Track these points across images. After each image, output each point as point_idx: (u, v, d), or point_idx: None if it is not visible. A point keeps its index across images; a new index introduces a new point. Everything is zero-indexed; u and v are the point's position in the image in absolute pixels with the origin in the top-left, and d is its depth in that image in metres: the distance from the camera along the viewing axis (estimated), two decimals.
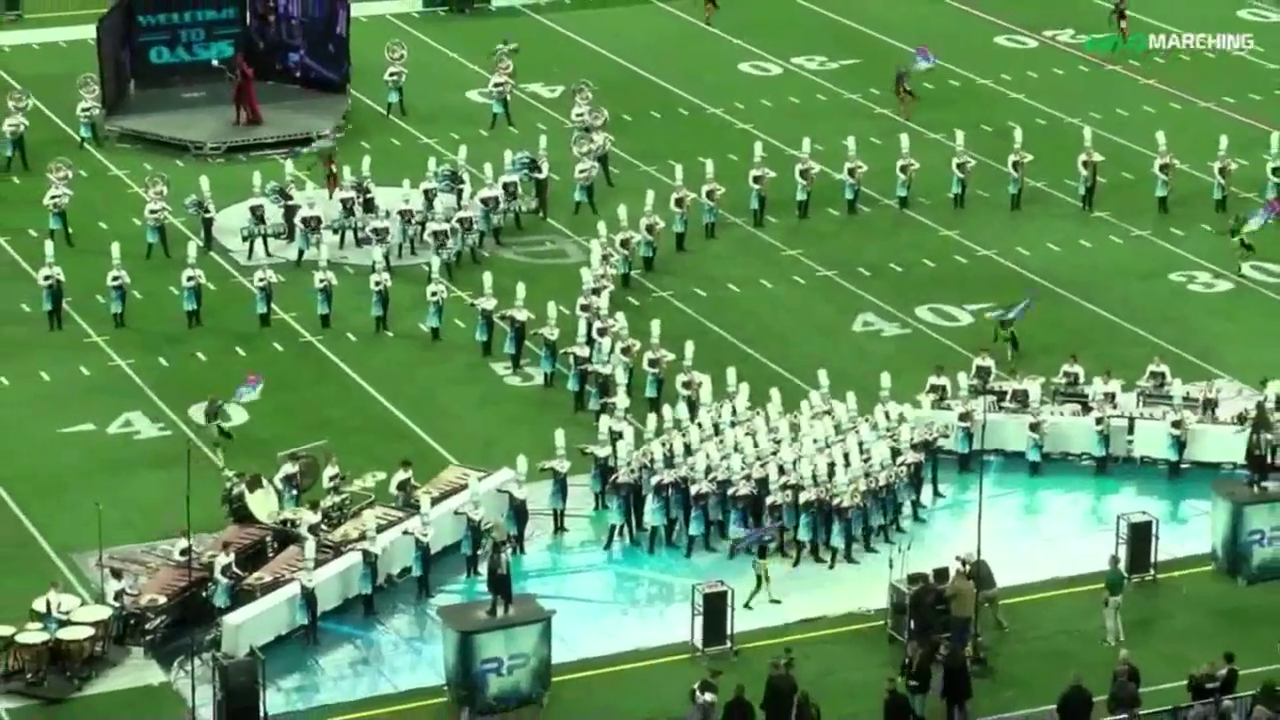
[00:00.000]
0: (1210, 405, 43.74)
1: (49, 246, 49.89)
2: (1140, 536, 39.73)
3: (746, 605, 38.30)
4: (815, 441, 41.43)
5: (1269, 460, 41.40)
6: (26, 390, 46.44)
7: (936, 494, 42.47)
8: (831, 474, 40.43)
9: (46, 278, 48.79)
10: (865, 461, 40.94)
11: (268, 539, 39.41)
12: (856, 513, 40.20)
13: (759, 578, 38.68)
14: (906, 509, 41.59)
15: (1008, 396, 43.88)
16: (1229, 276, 51.70)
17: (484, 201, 53.24)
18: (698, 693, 34.59)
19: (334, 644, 37.92)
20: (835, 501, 40.04)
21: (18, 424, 45.01)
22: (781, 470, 40.52)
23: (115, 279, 48.84)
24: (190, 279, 49.02)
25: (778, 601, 38.63)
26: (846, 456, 41.05)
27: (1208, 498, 41.16)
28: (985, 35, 68.96)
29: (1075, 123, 59.70)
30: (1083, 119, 59.92)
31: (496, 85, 61.28)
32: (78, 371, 47.16)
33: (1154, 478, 43.20)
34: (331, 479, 40.58)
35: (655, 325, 46.14)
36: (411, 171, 54.34)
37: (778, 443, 41.66)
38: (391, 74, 61.82)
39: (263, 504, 40.07)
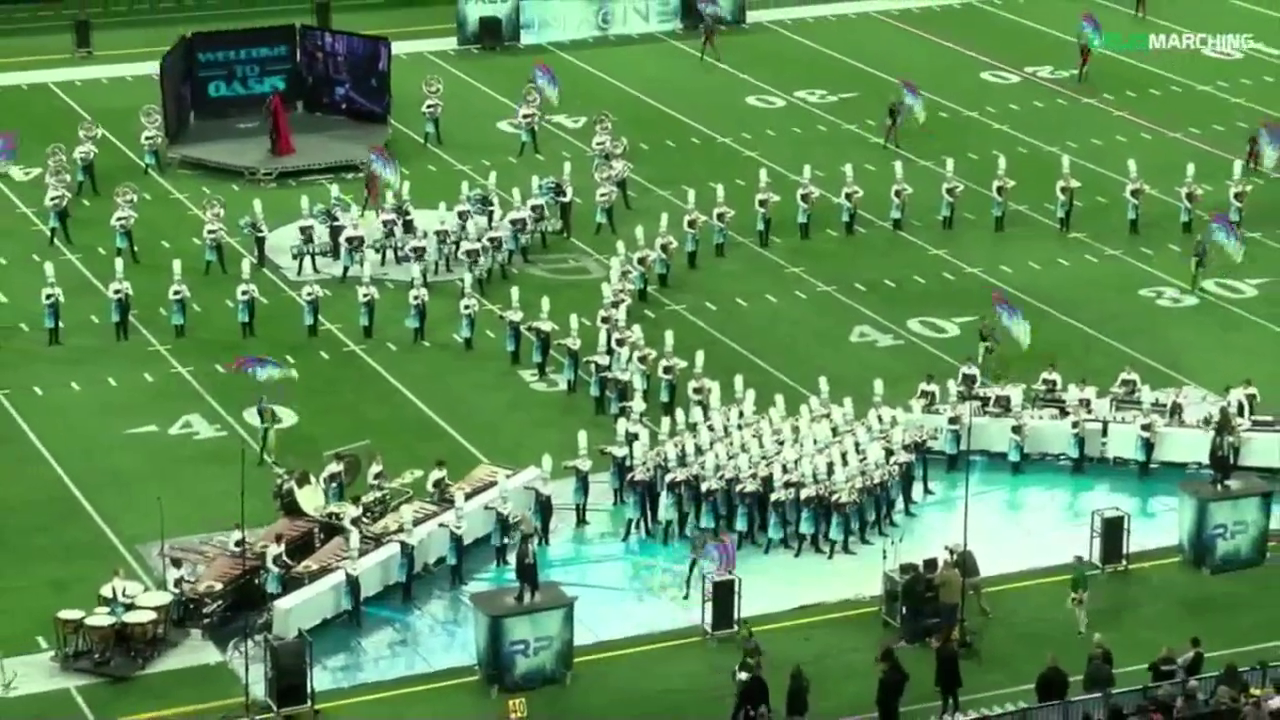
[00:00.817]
0: (1177, 410, 43.55)
1: (118, 263, 49.90)
2: (1113, 530, 39.59)
3: (684, 597, 38.46)
4: (815, 442, 41.30)
5: (1231, 461, 41.27)
6: (96, 395, 46.41)
7: (927, 491, 42.32)
8: (830, 472, 40.31)
9: (116, 291, 48.76)
10: (861, 461, 40.85)
11: (315, 531, 39.32)
12: (853, 508, 40.10)
13: (691, 565, 38.65)
14: (899, 504, 41.51)
15: (992, 401, 43.74)
16: (1193, 292, 51.55)
17: (513, 223, 53.16)
18: (738, 671, 34.50)
19: (375, 627, 37.86)
20: (834, 498, 39.92)
21: (88, 426, 44.97)
22: (784, 469, 40.40)
23: (176, 293, 48.79)
24: (244, 293, 48.97)
25: (686, 598, 38.45)
26: (844, 456, 40.92)
27: (1175, 495, 40.99)
28: (972, 71, 68.79)
29: (1054, 151, 59.47)
30: (1061, 148, 59.70)
31: (525, 116, 61.23)
32: (142, 378, 47.10)
33: (1125, 476, 43.01)
34: (374, 476, 40.53)
35: (669, 336, 46.00)
36: (447, 195, 54.28)
37: (781, 444, 41.54)
38: (428, 106, 61.77)
39: (311, 499, 40.01)
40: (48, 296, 48.35)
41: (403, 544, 38.45)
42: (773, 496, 40.06)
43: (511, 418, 45.41)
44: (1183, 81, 67.24)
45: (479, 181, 55.95)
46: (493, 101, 64.85)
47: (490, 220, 53.49)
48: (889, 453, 41.21)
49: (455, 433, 44.59)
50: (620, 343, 45.87)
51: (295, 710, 34.88)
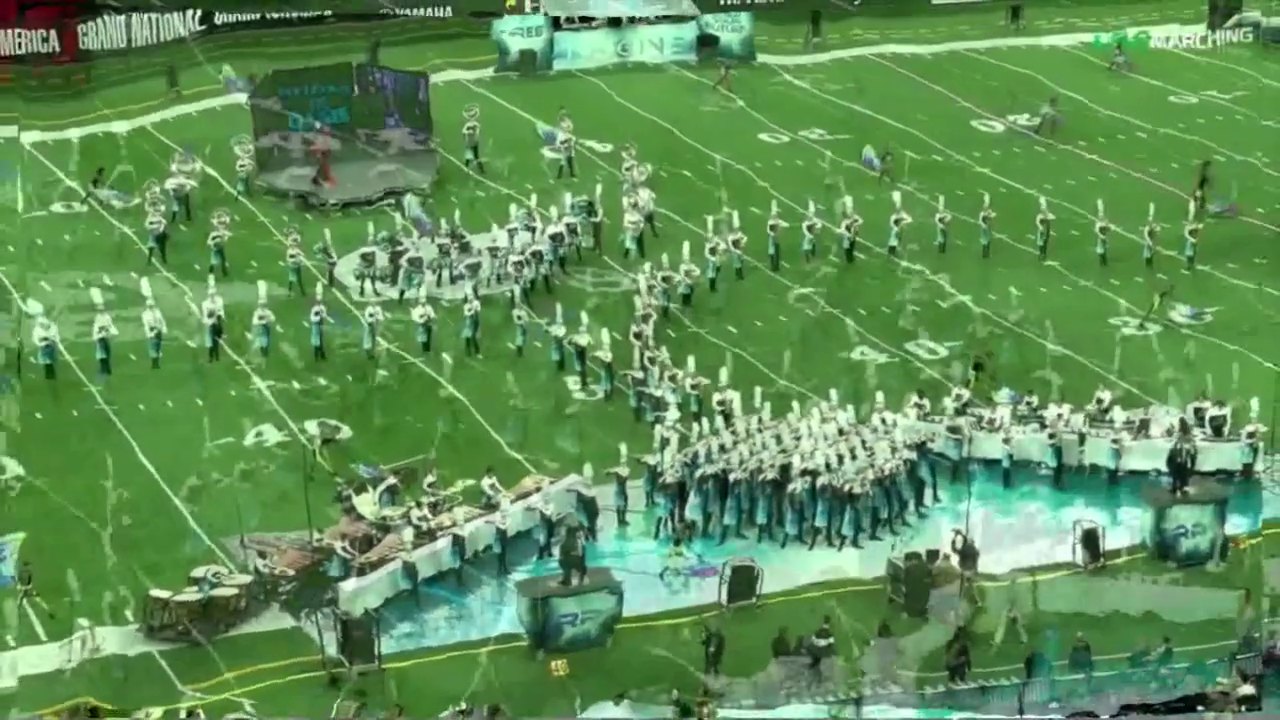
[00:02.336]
0: (1143, 425, 43.60)
1: (210, 280, 49.51)
2: (1090, 537, 39.78)
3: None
4: (826, 438, 41.20)
5: (1189, 467, 41.26)
6: (188, 409, 45.98)
7: (935, 498, 42.16)
8: (842, 463, 40.21)
9: (210, 314, 48.23)
10: (869, 455, 40.71)
11: (373, 533, 39.36)
12: (865, 500, 39.89)
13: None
14: (911, 506, 41.31)
15: (983, 420, 43.67)
16: (1157, 320, 51.34)
17: (551, 238, 52.96)
18: (815, 639, 34.46)
19: (432, 604, 38.10)
20: (847, 488, 39.73)
21: (180, 436, 44.66)
22: (801, 458, 40.35)
23: (261, 318, 48.33)
24: (317, 313, 48.53)
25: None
26: (853, 451, 40.88)
27: (1139, 504, 41.03)
28: (962, 120, 68.35)
29: (1032, 192, 59.34)
30: (1038, 189, 59.54)
31: (563, 141, 60.95)
32: (227, 394, 46.79)
33: (1099, 483, 42.99)
34: (429, 485, 40.51)
35: (690, 360, 45.84)
36: (495, 217, 53.91)
37: (797, 439, 41.47)
38: (467, 128, 61.26)
39: (368, 504, 40.03)
40: (151, 329, 47.65)
41: (454, 537, 38.61)
42: (790, 487, 39.92)
43: (556, 426, 45.17)
44: (1146, 126, 66.97)
45: (525, 203, 55.60)
46: (529, 125, 64.16)
47: (533, 236, 53.24)
48: (893, 449, 41.06)
49: (503, 440, 44.38)
50: (652, 360, 45.73)
51: (365, 668, 35.06)
